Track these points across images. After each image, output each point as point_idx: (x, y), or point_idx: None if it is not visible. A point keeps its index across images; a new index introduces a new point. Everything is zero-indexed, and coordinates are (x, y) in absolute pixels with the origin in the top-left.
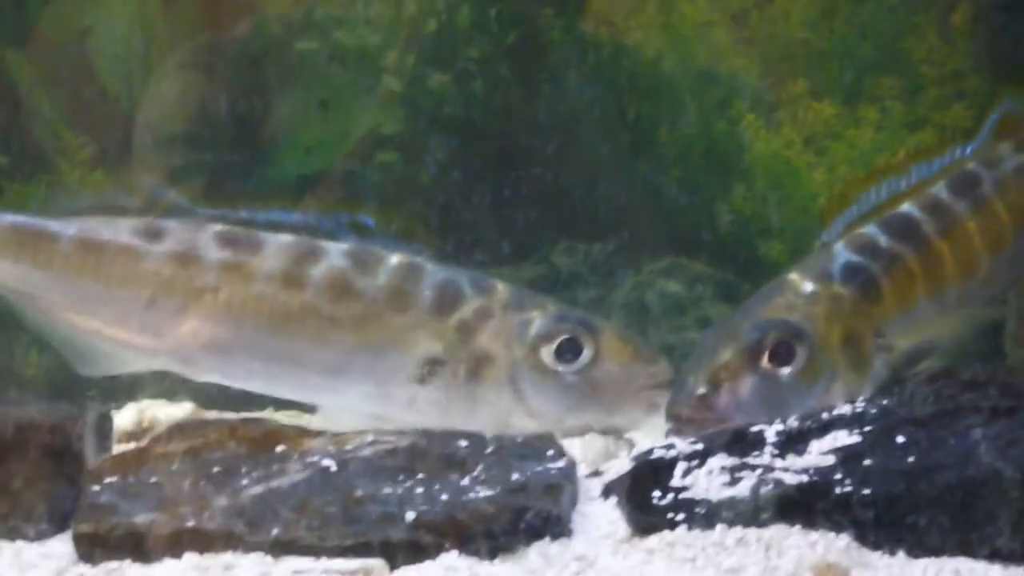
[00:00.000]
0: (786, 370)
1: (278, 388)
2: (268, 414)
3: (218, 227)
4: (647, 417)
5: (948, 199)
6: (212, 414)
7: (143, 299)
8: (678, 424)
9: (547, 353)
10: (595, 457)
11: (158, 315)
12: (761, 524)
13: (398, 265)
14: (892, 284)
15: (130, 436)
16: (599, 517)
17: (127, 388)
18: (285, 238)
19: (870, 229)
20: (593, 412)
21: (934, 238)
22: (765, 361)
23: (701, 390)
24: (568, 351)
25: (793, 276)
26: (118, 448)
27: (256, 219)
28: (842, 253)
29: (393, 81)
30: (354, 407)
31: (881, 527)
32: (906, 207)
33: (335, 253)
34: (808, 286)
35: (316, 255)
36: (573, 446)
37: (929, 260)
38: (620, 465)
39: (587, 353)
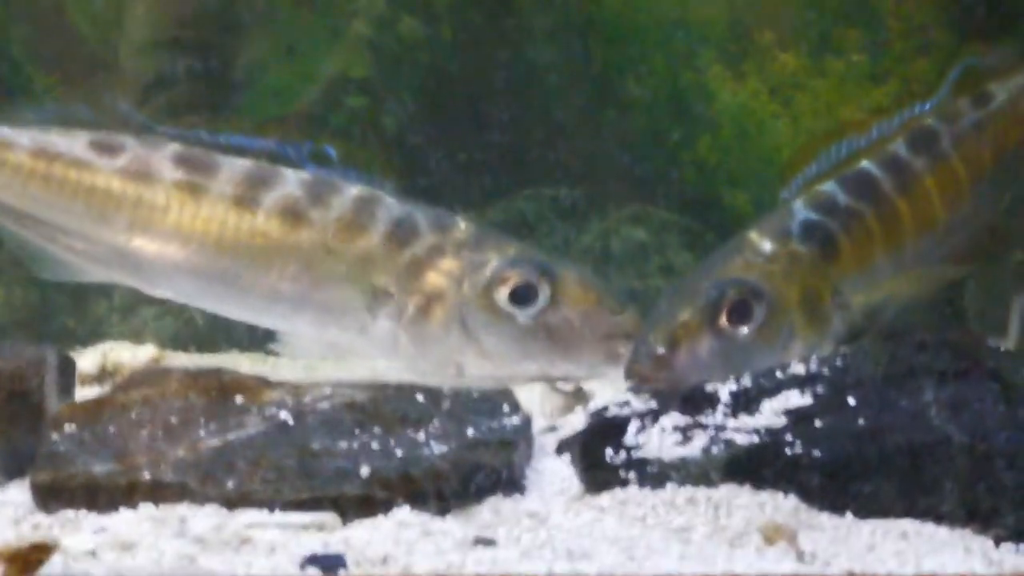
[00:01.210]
0: (744, 329)
1: (228, 309)
2: (233, 356)
3: (176, 147)
4: (606, 367)
5: (906, 155)
6: (178, 356)
7: (94, 212)
8: (637, 383)
9: (501, 295)
10: (553, 411)
11: (109, 229)
12: (711, 484)
13: (355, 197)
14: (850, 241)
15: (94, 379)
16: (553, 474)
17: (92, 329)
18: (243, 162)
19: (829, 187)
20: (548, 358)
21: (892, 195)
22: (723, 320)
23: (660, 350)
24: (523, 294)
25: (752, 235)
26: (81, 391)
27: (218, 142)
28: (801, 211)
29: (361, 25)
30: (305, 333)
31: (829, 489)
32: (864, 164)
33: (292, 180)
34: (767, 245)
35: (272, 181)
36: (532, 399)
37: (887, 217)
38: (575, 421)
39: (543, 298)
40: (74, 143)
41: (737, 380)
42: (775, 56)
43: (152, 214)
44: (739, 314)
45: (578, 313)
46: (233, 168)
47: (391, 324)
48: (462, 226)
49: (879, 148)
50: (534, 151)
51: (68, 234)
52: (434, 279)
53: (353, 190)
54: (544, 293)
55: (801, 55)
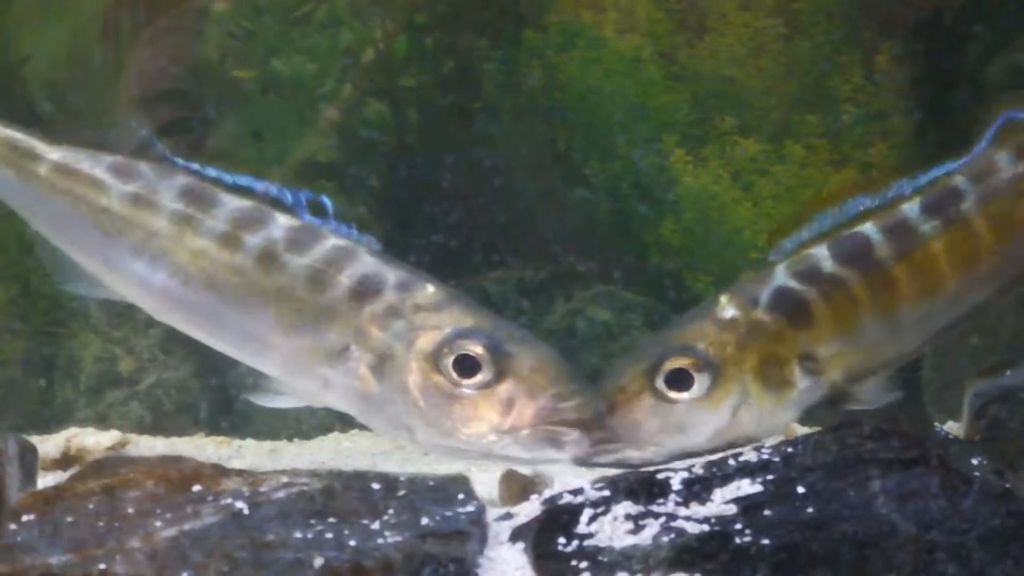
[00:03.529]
0: (685, 395)
1: (213, 342)
2: (198, 440)
3: (185, 179)
4: (546, 453)
5: (915, 217)
6: (143, 441)
7: (102, 232)
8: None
9: (445, 364)
10: (510, 496)
11: (114, 249)
12: (661, 573)
13: (332, 247)
14: (828, 308)
15: (58, 464)
16: (506, 563)
17: (58, 412)
18: (241, 202)
19: (818, 250)
20: (490, 436)
21: (886, 260)
22: (662, 385)
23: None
24: (465, 366)
25: (721, 299)
26: (44, 478)
27: (225, 180)
28: (779, 276)
29: (330, 110)
30: (278, 378)
31: None
32: (865, 227)
33: (279, 224)
34: (729, 311)
35: (260, 223)
36: (491, 483)
37: (877, 283)
38: (530, 508)
39: (486, 372)
40: (96, 164)
41: (689, 468)
42: (736, 141)
43: (150, 240)
44: (678, 381)
45: (523, 394)
46: (229, 206)
47: (350, 380)
48: (429, 289)
49: (888, 209)
50: (499, 232)
51: (84, 251)
52: (387, 340)
53: (331, 241)
54: (487, 367)
55: (762, 140)
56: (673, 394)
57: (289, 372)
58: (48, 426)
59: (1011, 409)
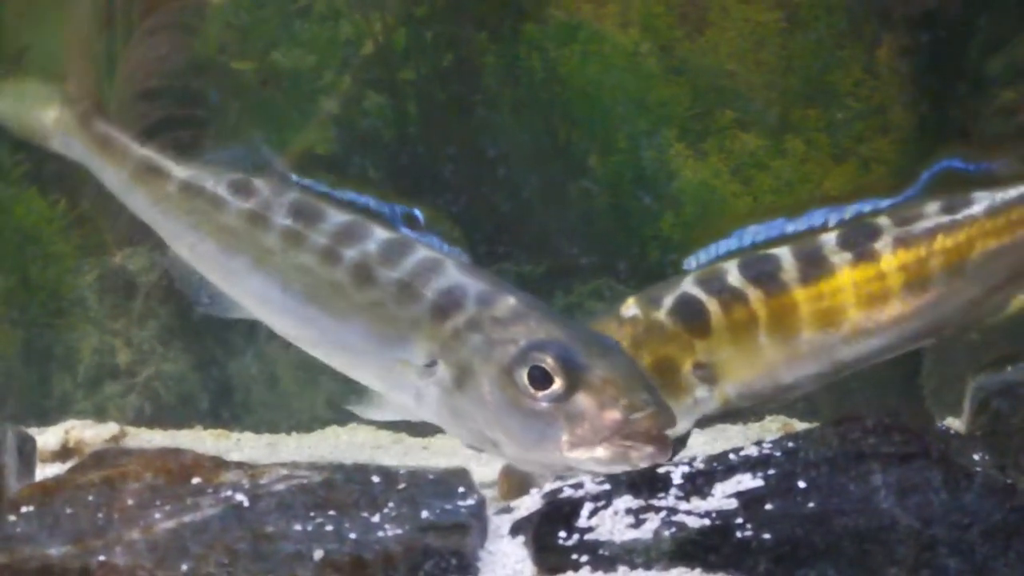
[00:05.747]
0: None
1: (316, 352)
2: (197, 433)
3: (296, 195)
4: (616, 465)
5: (829, 247)
6: (142, 433)
7: (222, 248)
8: None
9: (520, 377)
10: (511, 489)
11: (233, 266)
12: (662, 567)
13: (419, 260)
14: (727, 320)
15: (56, 456)
16: (506, 556)
17: (56, 404)
18: (344, 216)
19: (728, 264)
20: (564, 448)
21: (791, 284)
22: None
23: None
24: (538, 379)
25: (630, 299)
26: (42, 470)
27: (333, 195)
28: (686, 284)
29: (329, 102)
30: (377, 390)
31: (779, 572)
32: (780, 249)
33: (375, 238)
34: (632, 310)
35: (358, 237)
36: (492, 476)
37: (779, 303)
38: (530, 502)
39: (558, 385)
40: (218, 182)
41: (690, 462)
42: (736, 135)
43: (264, 256)
44: None
45: (594, 406)
46: (332, 220)
47: (438, 394)
48: (510, 300)
49: (807, 236)
50: (499, 226)
51: (211, 268)
52: (467, 354)
53: (419, 255)
54: (559, 380)
55: (762, 135)
56: None
57: (387, 386)
58: (46, 418)
59: (1013, 404)
